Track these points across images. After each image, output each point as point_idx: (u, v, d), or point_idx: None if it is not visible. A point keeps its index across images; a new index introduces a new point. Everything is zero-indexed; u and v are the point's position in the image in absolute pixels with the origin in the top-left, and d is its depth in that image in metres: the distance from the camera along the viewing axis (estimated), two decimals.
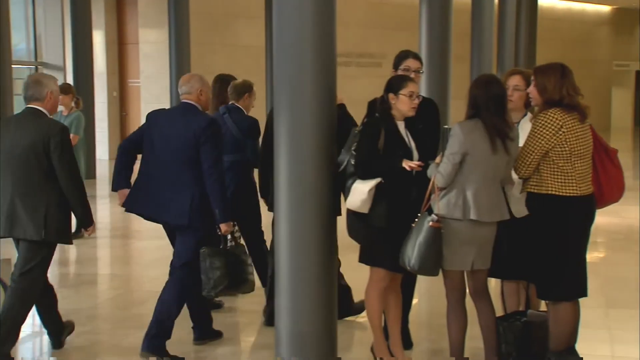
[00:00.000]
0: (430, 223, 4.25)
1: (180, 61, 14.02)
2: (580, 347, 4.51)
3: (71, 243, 5.06)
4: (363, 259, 4.68)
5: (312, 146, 4.50)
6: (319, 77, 4.50)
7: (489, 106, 4.29)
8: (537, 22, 20.22)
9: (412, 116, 4.59)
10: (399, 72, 4.87)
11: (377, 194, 4.49)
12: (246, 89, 6.04)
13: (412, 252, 4.29)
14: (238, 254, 5.02)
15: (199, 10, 16.81)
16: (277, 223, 4.67)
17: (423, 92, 7.95)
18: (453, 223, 4.28)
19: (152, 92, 17.34)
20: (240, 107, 5.98)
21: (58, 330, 5.24)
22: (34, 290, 4.89)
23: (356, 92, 6.76)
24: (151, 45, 17.63)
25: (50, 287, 5.14)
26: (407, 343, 5.09)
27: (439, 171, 4.29)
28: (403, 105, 4.53)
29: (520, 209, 4.49)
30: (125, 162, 5.12)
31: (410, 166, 4.38)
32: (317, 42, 4.47)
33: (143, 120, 5.26)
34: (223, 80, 6.18)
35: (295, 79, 4.49)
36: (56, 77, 5.15)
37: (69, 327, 5.35)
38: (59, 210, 4.80)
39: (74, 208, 4.87)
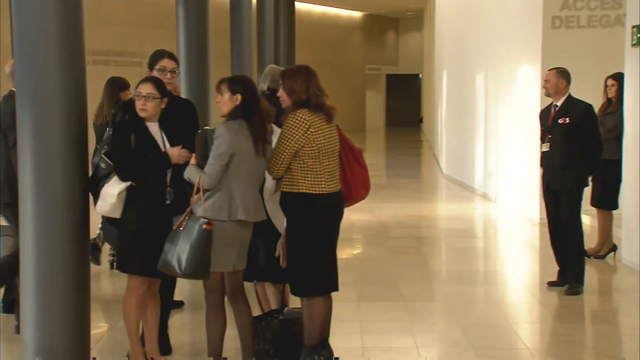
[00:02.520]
0: (205, 226, 4.19)
1: None
2: (333, 341, 4.67)
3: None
4: (119, 266, 4.52)
5: (60, 149, 4.26)
6: (65, 76, 4.27)
7: (255, 108, 4.33)
8: (295, 25, 20.82)
9: (174, 117, 4.53)
10: (154, 73, 4.79)
11: (129, 197, 4.36)
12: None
13: (184, 256, 4.20)
14: None
15: None
16: (22, 228, 4.37)
17: (183, 93, 7.88)
18: (218, 225, 4.25)
19: None
20: None
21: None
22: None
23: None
24: None
25: None
26: (166, 348, 5.01)
27: (205, 172, 4.25)
28: (136, 106, 4.44)
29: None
30: None
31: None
32: (62, 40, 4.23)
33: None
34: (115, 83, 6.51)
35: (38, 78, 4.22)
36: None
37: None
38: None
39: None
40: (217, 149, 4.25)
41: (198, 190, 4.26)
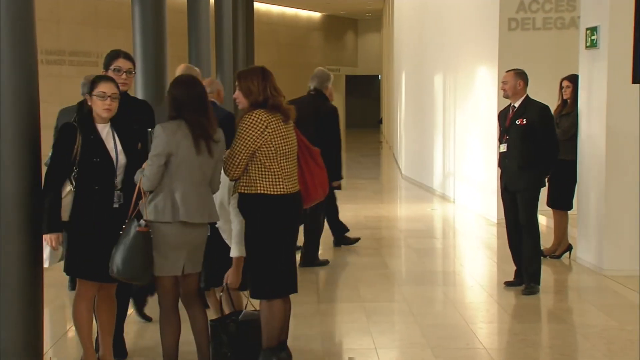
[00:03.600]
0: (138, 228, 4.13)
1: None
2: (291, 343, 4.64)
3: None
4: (67, 269, 4.44)
5: (12, 150, 4.17)
6: (17, 75, 4.18)
7: (194, 106, 4.26)
8: (254, 25, 20.75)
9: (131, 118, 4.47)
10: (110, 73, 4.73)
11: (75, 200, 4.28)
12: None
13: (120, 259, 4.14)
14: None
15: None
16: None
17: (139, 93, 7.79)
18: (163, 227, 4.20)
19: None
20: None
21: None
22: None
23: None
24: None
25: None
26: (122, 353, 4.95)
27: (144, 174, 4.18)
28: (96, 106, 4.36)
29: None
30: None
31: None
32: (13, 38, 4.14)
33: None
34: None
35: None
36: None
37: None
38: None
39: None
40: (153, 150, 4.19)
41: (139, 192, 4.20)
